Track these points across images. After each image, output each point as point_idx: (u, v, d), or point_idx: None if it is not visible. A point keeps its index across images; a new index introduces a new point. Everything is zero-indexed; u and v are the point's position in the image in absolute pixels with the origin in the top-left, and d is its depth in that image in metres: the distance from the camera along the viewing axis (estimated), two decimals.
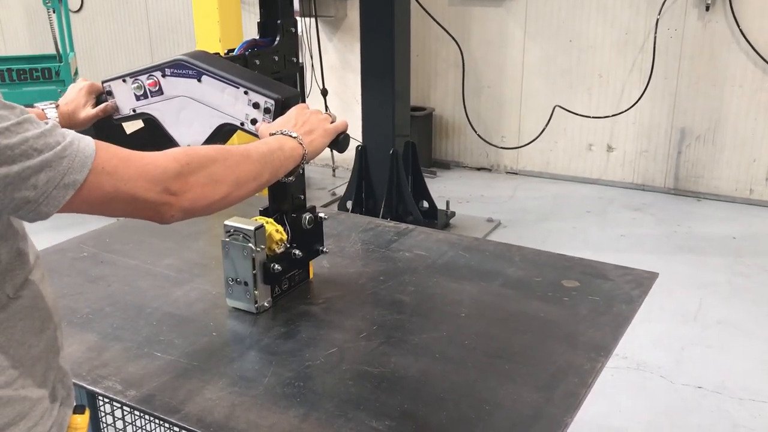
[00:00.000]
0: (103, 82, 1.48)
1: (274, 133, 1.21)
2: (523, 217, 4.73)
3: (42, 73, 5.06)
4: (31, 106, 1.46)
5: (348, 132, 1.30)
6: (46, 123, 0.89)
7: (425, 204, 4.37)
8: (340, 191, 4.81)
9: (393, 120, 4.12)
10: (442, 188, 5.25)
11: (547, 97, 5.30)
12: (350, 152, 4.78)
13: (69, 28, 5.34)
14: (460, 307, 1.61)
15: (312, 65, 5.39)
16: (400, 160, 4.16)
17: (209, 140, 1.37)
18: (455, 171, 5.74)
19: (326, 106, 5.30)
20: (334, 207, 4.56)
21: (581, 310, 1.59)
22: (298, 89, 1.58)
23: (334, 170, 5.62)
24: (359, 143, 4.32)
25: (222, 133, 1.37)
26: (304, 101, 1.38)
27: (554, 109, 5.21)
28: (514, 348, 1.45)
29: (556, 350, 1.44)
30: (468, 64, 5.41)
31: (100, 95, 1.49)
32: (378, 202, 4.23)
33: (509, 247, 1.94)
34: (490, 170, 5.73)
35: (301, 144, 1.20)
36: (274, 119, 1.29)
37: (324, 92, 5.20)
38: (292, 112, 1.27)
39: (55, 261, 1.89)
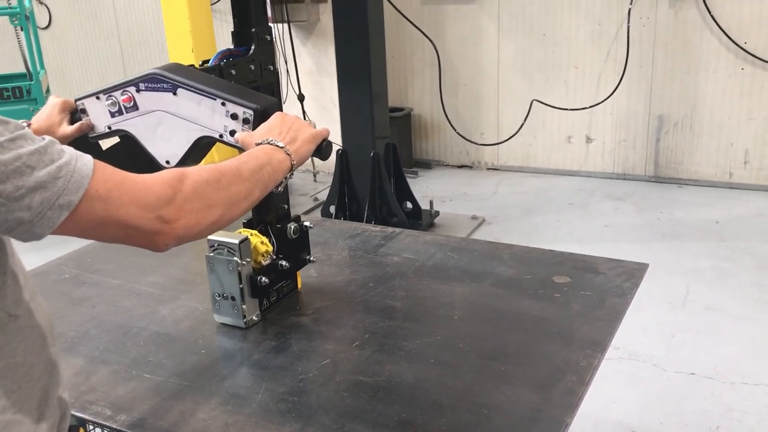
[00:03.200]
0: (76, 100, 1.44)
1: (260, 143, 1.18)
2: (507, 213, 4.73)
3: (13, 92, 4.98)
4: None
5: (329, 138, 1.28)
6: (43, 139, 0.86)
7: (409, 205, 4.36)
8: (323, 196, 4.78)
9: (372, 122, 4.10)
10: (424, 188, 5.23)
11: (525, 91, 5.31)
12: (331, 157, 4.75)
13: (38, 45, 5.26)
14: (452, 310, 1.59)
15: (287, 71, 5.35)
16: (381, 163, 4.14)
17: (188, 154, 1.34)
18: (437, 170, 5.73)
19: (304, 112, 5.26)
20: (317, 212, 4.53)
21: (574, 306, 1.58)
22: (277, 97, 1.56)
23: (315, 175, 5.59)
24: (339, 147, 4.29)
25: (201, 146, 1.34)
26: (281, 109, 1.36)
27: (532, 103, 5.22)
28: (508, 349, 1.43)
29: (551, 348, 1.42)
30: (444, 62, 5.41)
31: (75, 112, 1.46)
32: (361, 206, 4.20)
33: (498, 245, 1.93)
34: (471, 167, 5.73)
35: (289, 155, 1.17)
36: (253, 129, 1.26)
37: (301, 97, 5.17)
38: (274, 120, 1.24)
39: (37, 284, 1.80)
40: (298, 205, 5.06)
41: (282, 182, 1.18)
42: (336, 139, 4.54)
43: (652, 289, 3.45)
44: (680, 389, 2.81)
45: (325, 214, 4.33)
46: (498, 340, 1.47)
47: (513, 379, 1.33)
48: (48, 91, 5.55)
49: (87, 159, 0.88)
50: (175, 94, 1.30)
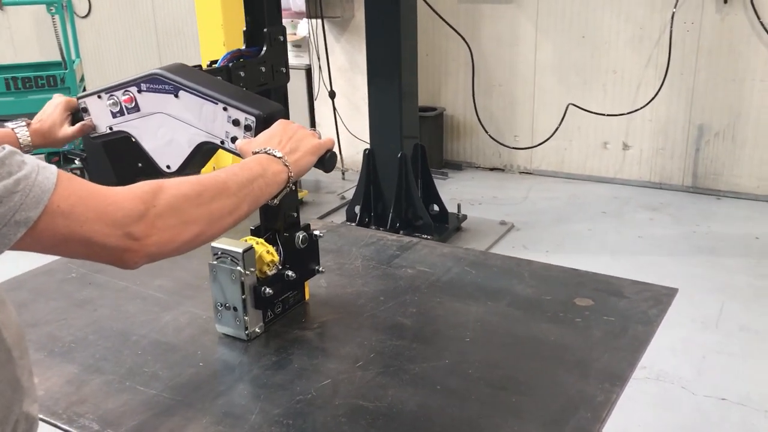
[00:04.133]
0: (78, 98, 1.39)
1: (257, 152, 1.11)
2: (538, 219, 4.60)
3: (47, 81, 5.01)
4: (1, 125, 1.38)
5: (334, 150, 1.20)
6: (3, 149, 0.80)
7: (435, 208, 4.26)
8: (350, 195, 4.71)
9: (401, 122, 4.02)
10: (453, 190, 5.13)
11: (561, 95, 5.17)
12: (358, 156, 4.69)
13: (75, 34, 5.30)
14: (464, 331, 1.50)
15: (320, 67, 5.30)
16: (408, 163, 4.06)
17: (189, 159, 1.28)
18: (467, 172, 5.63)
19: (334, 109, 5.20)
20: (343, 212, 4.46)
21: (595, 333, 1.48)
22: (287, 101, 1.49)
23: (343, 173, 5.53)
24: (367, 147, 4.22)
25: (203, 152, 1.27)
26: (287, 117, 1.29)
27: (568, 107, 5.08)
28: (521, 377, 1.35)
29: (567, 380, 1.33)
30: (478, 62, 5.29)
31: (77, 112, 1.41)
32: (387, 207, 4.13)
33: (518, 261, 1.83)
34: (503, 170, 5.61)
35: (287, 166, 1.10)
36: (255, 137, 1.19)
37: (332, 94, 5.10)
38: (276, 127, 1.17)
39: (43, 283, 1.81)
40: (325, 203, 5.00)
41: (279, 194, 1.11)
42: (364, 137, 4.47)
43: (684, 306, 3.31)
44: (710, 415, 2.68)
45: (350, 214, 4.26)
46: (510, 367, 1.38)
47: (523, 413, 1.24)
48: (83, 79, 5.59)
49: (50, 171, 0.82)
50: (176, 96, 1.24)
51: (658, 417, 2.68)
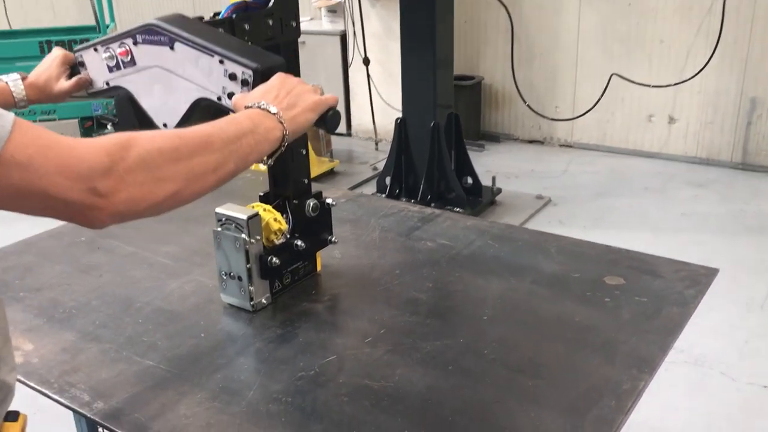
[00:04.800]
0: (74, 51, 1.31)
1: (250, 106, 1.01)
2: (577, 194, 4.44)
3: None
4: None
5: (338, 109, 1.10)
6: None
7: (469, 180, 4.13)
8: (383, 165, 4.60)
9: (434, 90, 3.88)
10: (490, 162, 4.99)
11: (604, 64, 4.96)
12: (389, 126, 4.58)
13: None
14: (482, 308, 1.40)
15: (354, 33, 5.17)
16: (441, 134, 3.93)
17: (186, 117, 1.19)
18: (505, 144, 5.47)
19: (368, 75, 5.08)
20: (374, 183, 4.36)
21: (624, 314, 1.37)
22: (297, 58, 1.38)
23: (377, 143, 5.42)
24: (399, 116, 4.10)
25: (201, 110, 1.18)
26: (296, 74, 1.19)
27: (611, 77, 4.86)
28: (541, 359, 1.24)
29: (591, 364, 1.22)
30: (518, 30, 5.10)
31: (75, 66, 1.33)
32: (419, 179, 4.01)
33: (545, 236, 1.72)
34: (542, 143, 5.43)
35: (281, 123, 1.00)
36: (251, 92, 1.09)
37: (366, 61, 4.98)
38: (273, 81, 1.07)
39: (50, 247, 1.76)
40: (357, 173, 4.91)
41: (274, 153, 1.02)
42: (399, 106, 4.34)
43: (728, 288, 3.15)
44: (752, 403, 2.54)
45: (380, 185, 4.16)
46: (530, 348, 1.28)
47: (541, 398, 1.14)
48: None
49: (6, 119, 0.74)
50: (172, 48, 1.15)
51: (695, 403, 2.55)
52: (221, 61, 1.10)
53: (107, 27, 5.10)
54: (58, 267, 1.65)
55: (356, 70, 5.43)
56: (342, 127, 5.72)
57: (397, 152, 4.04)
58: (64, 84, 1.31)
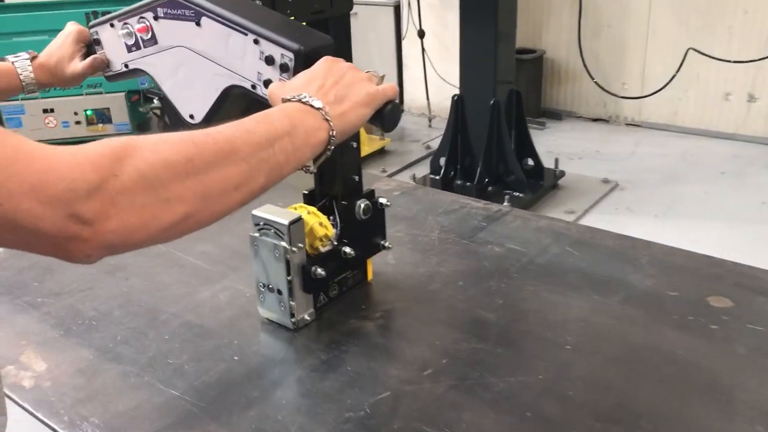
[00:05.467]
0: (89, 27, 1.13)
1: (288, 99, 0.81)
2: (645, 178, 4.13)
3: None
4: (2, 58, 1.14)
5: (398, 101, 0.88)
6: None
7: (530, 162, 3.87)
8: (436, 144, 4.37)
9: (495, 65, 3.62)
10: (551, 142, 4.70)
11: (679, 38, 4.59)
12: (445, 102, 4.33)
13: None
14: (563, 335, 1.18)
15: (408, 3, 4.90)
16: (501, 112, 3.67)
17: (216, 108, 0.99)
18: (567, 122, 5.15)
19: (423, 50, 4.82)
20: (427, 163, 4.13)
21: (738, 348, 1.13)
22: (348, 35, 1.17)
23: (430, 120, 5.17)
24: (456, 92, 3.84)
25: (233, 98, 0.98)
26: (350, 56, 0.97)
27: (687, 52, 4.50)
28: (638, 407, 1.02)
29: (701, 415, 1.00)
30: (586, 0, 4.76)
31: (91, 44, 1.14)
32: (475, 160, 3.77)
33: (634, 242, 1.47)
34: (607, 122, 5.10)
35: (327, 121, 0.79)
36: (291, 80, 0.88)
37: (421, 34, 4.73)
38: (319, 67, 0.86)
39: None
40: (408, 152, 4.69)
41: (317, 160, 0.81)
42: (454, 81, 4.09)
43: None
44: None
45: (434, 166, 3.93)
46: (624, 390, 1.06)
47: None
48: None
49: None
50: (198, 24, 0.95)
51: None
52: (256, 41, 0.90)
53: None
54: (81, 268, 1.48)
55: (410, 44, 5.18)
56: None
57: (453, 132, 3.80)
58: (77, 65, 1.13)
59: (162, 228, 0.66)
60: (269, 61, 0.89)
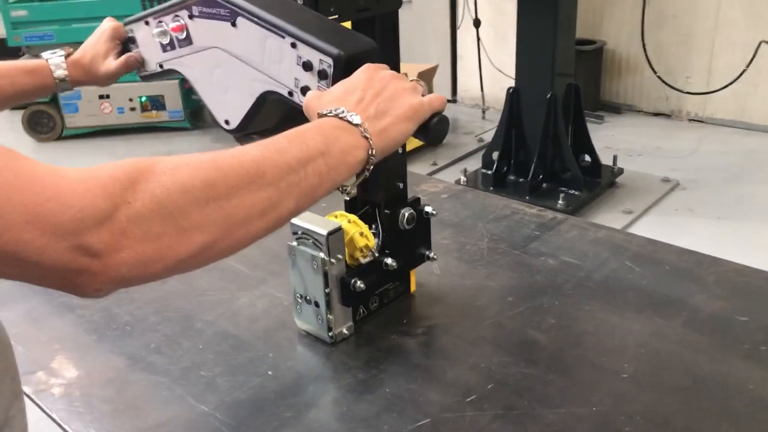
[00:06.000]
0: (124, 24, 1.08)
1: (324, 114, 0.74)
2: (709, 178, 3.94)
3: None
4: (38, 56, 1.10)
5: (445, 113, 0.80)
6: None
7: (587, 158, 3.72)
8: (489, 137, 4.25)
9: (553, 57, 3.48)
10: (609, 137, 4.53)
11: (750, 29, 4.35)
12: (500, 94, 4.20)
13: None
14: (620, 361, 1.09)
15: None
16: (559, 106, 3.53)
17: (252, 114, 0.93)
18: (627, 116, 4.96)
19: (478, 39, 4.70)
20: (479, 156, 4.03)
21: None
22: (397, 36, 1.09)
23: (484, 111, 5.05)
24: (512, 84, 3.72)
25: (269, 104, 0.92)
26: (398, 59, 0.90)
27: (759, 45, 4.26)
28: None
29: None
30: None
31: (126, 42, 1.10)
32: (530, 155, 3.64)
33: (700, 258, 1.37)
34: (669, 116, 4.89)
35: (367, 138, 0.72)
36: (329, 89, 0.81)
37: (476, 23, 4.60)
38: (359, 77, 0.78)
39: None
40: (460, 145, 4.58)
41: (360, 176, 0.74)
42: (509, 72, 3.96)
43: None
44: None
45: (487, 160, 3.82)
46: (686, 427, 0.97)
47: None
48: None
49: None
50: (234, 25, 0.89)
51: None
52: (293, 45, 0.83)
53: None
54: None
55: (465, 33, 5.06)
56: (447, 93, 5.38)
57: (507, 125, 3.68)
58: (111, 64, 1.08)
59: (179, 259, 0.60)
60: (307, 66, 0.82)
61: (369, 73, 0.77)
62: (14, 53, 4.97)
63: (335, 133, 0.71)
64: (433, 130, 0.78)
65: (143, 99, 5.11)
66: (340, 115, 0.72)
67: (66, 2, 4.93)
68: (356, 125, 0.72)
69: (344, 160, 0.70)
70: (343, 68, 0.79)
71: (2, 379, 0.77)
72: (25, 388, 1.11)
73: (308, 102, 0.78)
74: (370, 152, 0.72)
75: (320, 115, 0.74)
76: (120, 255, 0.56)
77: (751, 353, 1.09)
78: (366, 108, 0.74)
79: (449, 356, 1.14)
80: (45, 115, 5.13)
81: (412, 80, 0.80)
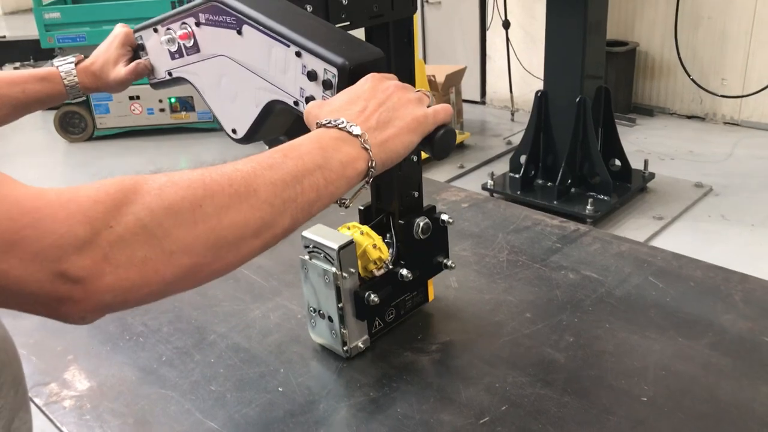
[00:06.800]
0: (134, 31, 1.07)
1: (323, 124, 0.71)
2: (744, 183, 3.83)
3: None
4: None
5: (451, 125, 0.77)
6: None
7: (617, 162, 3.65)
8: (518, 140, 4.20)
9: (583, 59, 3.41)
10: (641, 140, 4.44)
11: None
12: (529, 96, 4.14)
13: None
14: (640, 384, 1.05)
15: None
16: (588, 110, 3.47)
17: (258, 123, 0.91)
18: (659, 119, 4.86)
19: (507, 40, 4.64)
20: (507, 160, 3.97)
21: None
22: (411, 44, 1.06)
23: (512, 114, 4.99)
24: (540, 87, 3.66)
25: (276, 114, 0.90)
26: (412, 68, 0.87)
27: None
28: None
29: None
30: None
31: (137, 49, 1.09)
32: (558, 159, 3.59)
33: (728, 275, 1.31)
34: (703, 119, 4.78)
35: (367, 150, 0.70)
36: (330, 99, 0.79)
37: (506, 24, 4.54)
38: (361, 86, 0.76)
39: None
40: (488, 147, 4.53)
41: (354, 195, 0.72)
42: (539, 74, 3.90)
43: None
44: None
45: (514, 164, 3.77)
46: None
47: None
48: None
49: None
50: (239, 33, 0.87)
51: None
52: (298, 54, 0.81)
53: None
54: None
55: (494, 34, 5.01)
56: (476, 95, 5.33)
57: (536, 129, 3.62)
58: (121, 71, 1.07)
59: (166, 283, 0.58)
60: (311, 76, 0.80)
61: (373, 83, 0.75)
62: (47, 54, 5.05)
63: (334, 144, 0.68)
64: (437, 143, 0.75)
65: (173, 100, 5.15)
66: (340, 126, 0.70)
67: (97, 5, 4.99)
68: (356, 136, 0.69)
69: (343, 173, 0.68)
70: (348, 78, 0.77)
71: (6, 392, 0.76)
72: (37, 400, 1.11)
73: (309, 111, 0.75)
74: (370, 164, 0.70)
75: (319, 125, 0.71)
76: (102, 281, 0.54)
77: None
78: (368, 118, 0.71)
79: (463, 375, 1.11)
80: (76, 115, 5.20)
81: (418, 91, 0.77)
